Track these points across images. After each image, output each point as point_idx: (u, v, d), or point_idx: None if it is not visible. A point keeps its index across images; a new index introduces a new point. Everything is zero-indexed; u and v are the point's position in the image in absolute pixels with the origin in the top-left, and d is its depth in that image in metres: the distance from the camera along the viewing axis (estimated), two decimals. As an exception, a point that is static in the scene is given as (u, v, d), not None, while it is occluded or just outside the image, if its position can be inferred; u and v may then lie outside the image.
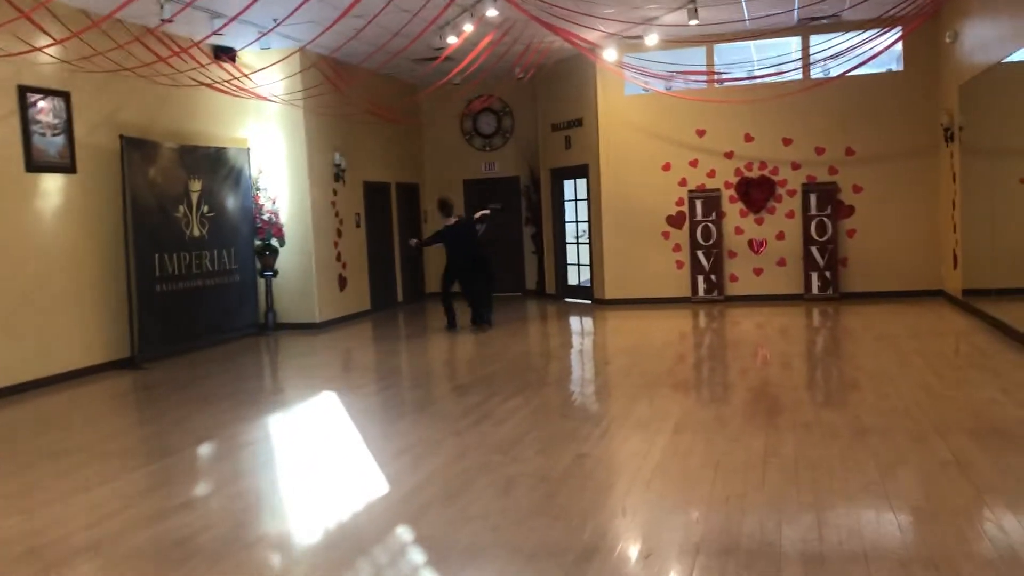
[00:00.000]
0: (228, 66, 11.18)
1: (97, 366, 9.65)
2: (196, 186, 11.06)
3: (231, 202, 11.76)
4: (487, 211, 12.50)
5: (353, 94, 12.54)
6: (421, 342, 11.29)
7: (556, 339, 11.39)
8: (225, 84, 10.70)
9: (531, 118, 15.75)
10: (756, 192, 13.49)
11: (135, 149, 10.00)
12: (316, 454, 6.06)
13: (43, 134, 9.03)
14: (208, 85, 10.36)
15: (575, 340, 11.31)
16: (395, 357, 10.33)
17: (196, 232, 11.06)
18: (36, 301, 8.92)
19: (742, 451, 5.44)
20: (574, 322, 12.93)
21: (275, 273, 12.63)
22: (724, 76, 13.21)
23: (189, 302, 10.86)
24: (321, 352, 11.00)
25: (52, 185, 9.21)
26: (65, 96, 9.28)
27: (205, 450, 6.28)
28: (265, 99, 11.67)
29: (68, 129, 9.37)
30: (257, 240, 12.53)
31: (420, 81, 15.39)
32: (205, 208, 11.23)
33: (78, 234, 9.52)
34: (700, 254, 13.62)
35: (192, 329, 10.90)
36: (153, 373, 9.63)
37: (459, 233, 12.01)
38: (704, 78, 13.38)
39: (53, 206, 9.20)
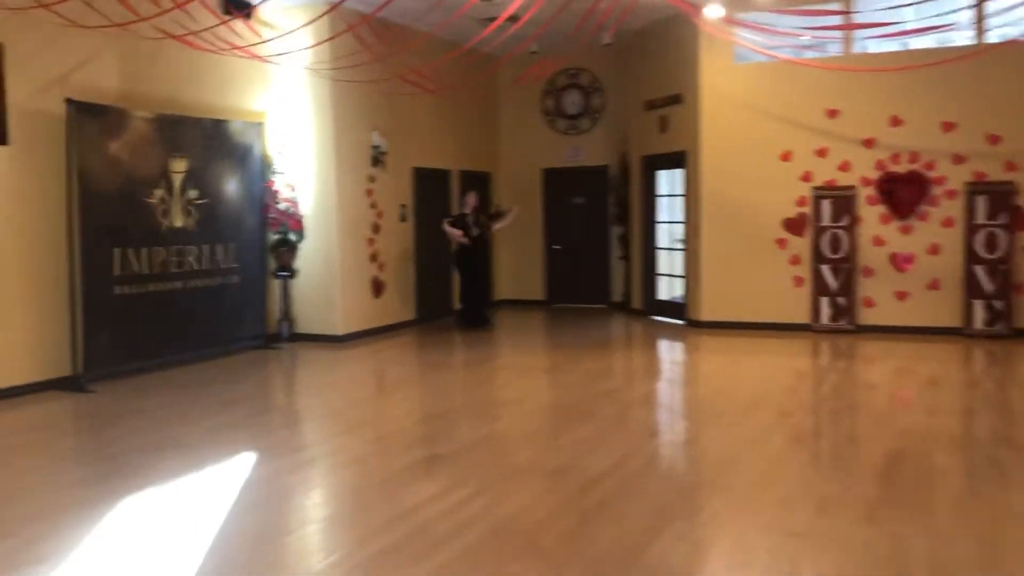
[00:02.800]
0: (240, 25, 9.04)
1: (30, 386, 7.70)
2: (180, 166, 8.98)
3: (232, 187, 9.66)
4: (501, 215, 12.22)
5: (400, 62, 10.19)
6: (461, 367, 8.86)
7: (630, 378, 8.72)
8: (230, 45, 8.53)
9: (625, 96, 13.04)
10: (904, 192, 10.38)
11: (88, 117, 7.97)
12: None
13: (-48, 93, 7.10)
14: (209, 50, 8.20)
15: (658, 382, 8.60)
16: (419, 391, 7.95)
17: (178, 222, 8.99)
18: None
19: None
20: (661, 350, 10.23)
21: (292, 273, 10.49)
22: (871, 32, 10.12)
23: (164, 308, 8.80)
24: (331, 375, 8.77)
25: (-32, 159, 7.28)
26: (-12, 46, 7.35)
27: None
28: (269, 63, 9.49)
29: (-3, 89, 7.43)
30: (273, 234, 10.41)
31: (493, 48, 12.94)
32: (193, 193, 9.14)
33: (7, 222, 7.57)
34: (826, 270, 10.63)
35: (167, 342, 8.84)
36: (97, 399, 7.61)
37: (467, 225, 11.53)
38: (838, 40, 10.36)
39: (-33, 185, 7.28)
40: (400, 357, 9.67)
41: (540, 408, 6.96)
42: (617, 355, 9.42)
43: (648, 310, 12.49)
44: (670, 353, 9.99)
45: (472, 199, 11.77)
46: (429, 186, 12.36)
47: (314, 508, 4.83)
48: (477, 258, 11.82)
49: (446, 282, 12.87)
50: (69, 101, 7.79)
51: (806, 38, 10.30)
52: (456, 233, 11.53)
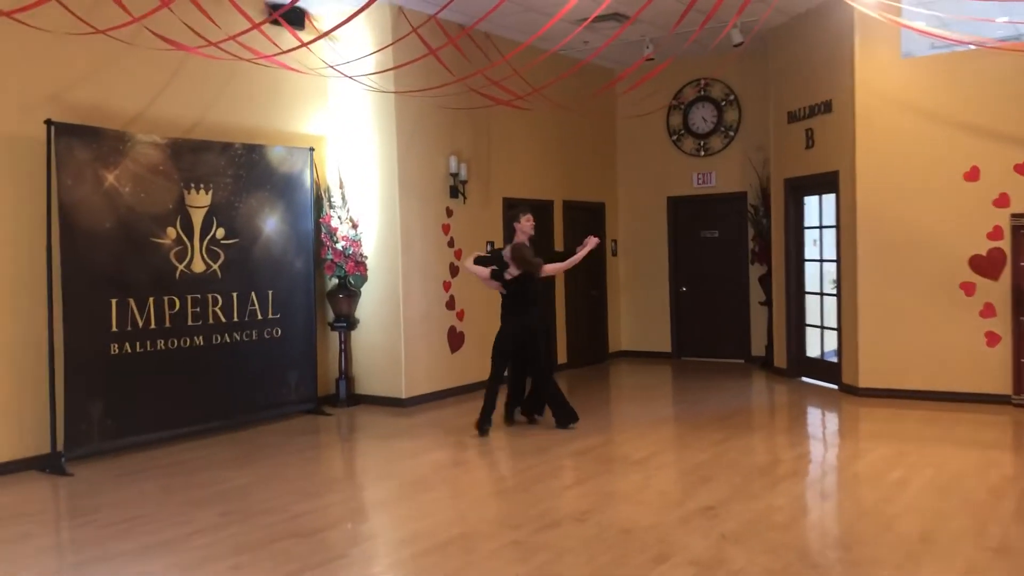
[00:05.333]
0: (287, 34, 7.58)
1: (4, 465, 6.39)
2: (200, 200, 7.56)
3: (273, 224, 8.17)
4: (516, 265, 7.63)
5: (486, 74, 8.38)
6: (528, 452, 6.90)
7: (747, 482, 6.46)
8: (272, 56, 7.05)
9: (764, 108, 10.77)
10: None
11: (75, 142, 6.65)
12: None
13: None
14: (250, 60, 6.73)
15: (781, 494, 6.29)
16: (440, 495, 6.06)
17: (198, 266, 7.55)
18: None
19: None
20: (801, 431, 7.89)
21: (350, 324, 8.88)
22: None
23: (178, 369, 7.35)
24: (372, 456, 7.06)
25: (-78, 194, 6.08)
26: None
27: None
28: (326, 78, 7.96)
29: (-39, 110, 6.22)
30: (329, 278, 8.86)
31: (607, 61, 11.03)
32: (219, 232, 7.70)
33: (-26, 268, 6.33)
34: (1031, 323, 7.98)
35: (180, 410, 7.37)
36: (70, 484, 6.20)
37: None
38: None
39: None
40: (462, 428, 7.80)
41: (599, 533, 4.89)
42: (739, 438, 7.17)
43: (794, 369, 10.07)
44: (813, 438, 7.61)
45: (528, 224, 7.82)
46: (525, 220, 10.48)
47: None
48: (524, 319, 7.56)
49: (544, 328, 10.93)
50: (50, 123, 6.49)
51: (1003, 23, 7.79)
52: (481, 273, 7.66)
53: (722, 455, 6.56)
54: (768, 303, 10.73)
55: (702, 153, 11.64)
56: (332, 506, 5.50)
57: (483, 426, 7.43)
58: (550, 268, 7.83)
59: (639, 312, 12.16)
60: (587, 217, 11.66)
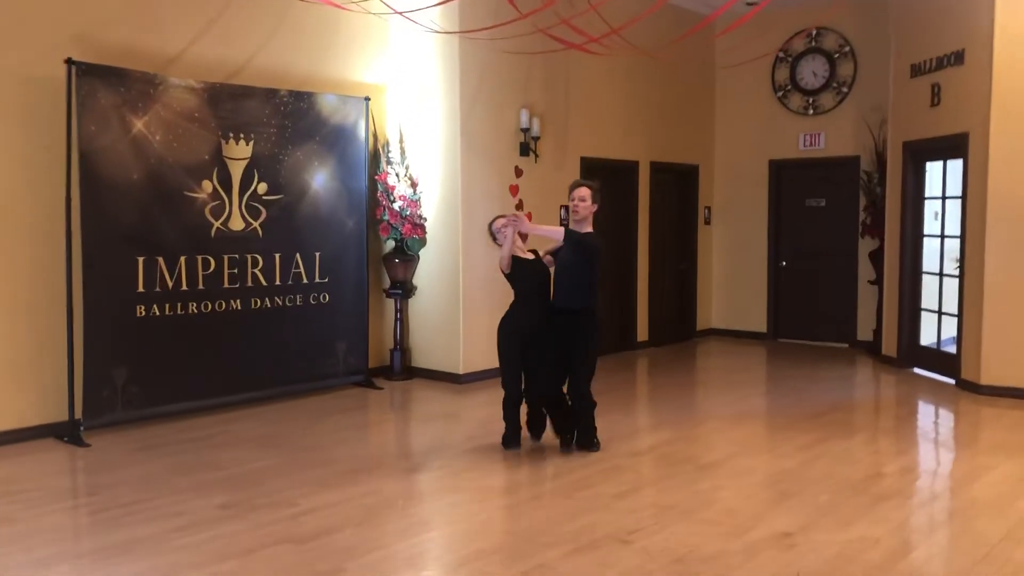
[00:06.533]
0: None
1: (12, 432, 5.96)
2: (241, 151, 6.94)
3: (322, 180, 7.50)
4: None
5: (549, 5, 7.46)
6: (578, 455, 6.09)
7: (834, 504, 5.45)
8: None
9: (883, 61, 9.47)
10: None
11: (99, 84, 6.08)
12: None
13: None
14: None
15: (873, 520, 5.27)
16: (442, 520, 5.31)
17: (237, 224, 6.95)
18: None
19: None
20: (909, 435, 6.81)
21: (406, 291, 8.19)
22: None
23: (212, 335, 6.80)
24: (421, 436, 6.41)
25: (-69, 138, 5.62)
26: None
27: None
28: (384, 19, 7.19)
29: (-24, 48, 5.73)
30: (385, 240, 8.18)
31: (702, 5, 9.91)
32: (260, 186, 7.07)
33: (-11, 220, 5.87)
34: None
35: (213, 378, 6.82)
36: (86, 456, 5.74)
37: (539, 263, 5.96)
38: None
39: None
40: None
41: (643, 564, 4.04)
42: (834, 442, 6.14)
43: (905, 359, 8.89)
44: (923, 446, 6.49)
45: (585, 197, 5.76)
46: (605, 183, 9.52)
47: None
48: (537, 301, 5.78)
49: (630, 306, 10.04)
50: (71, 63, 5.93)
51: None
52: (507, 246, 5.72)
53: (811, 463, 5.59)
54: (879, 282, 9.52)
55: (811, 112, 10.41)
56: (346, 503, 4.80)
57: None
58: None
59: (732, 287, 11.09)
60: (677, 181, 10.64)
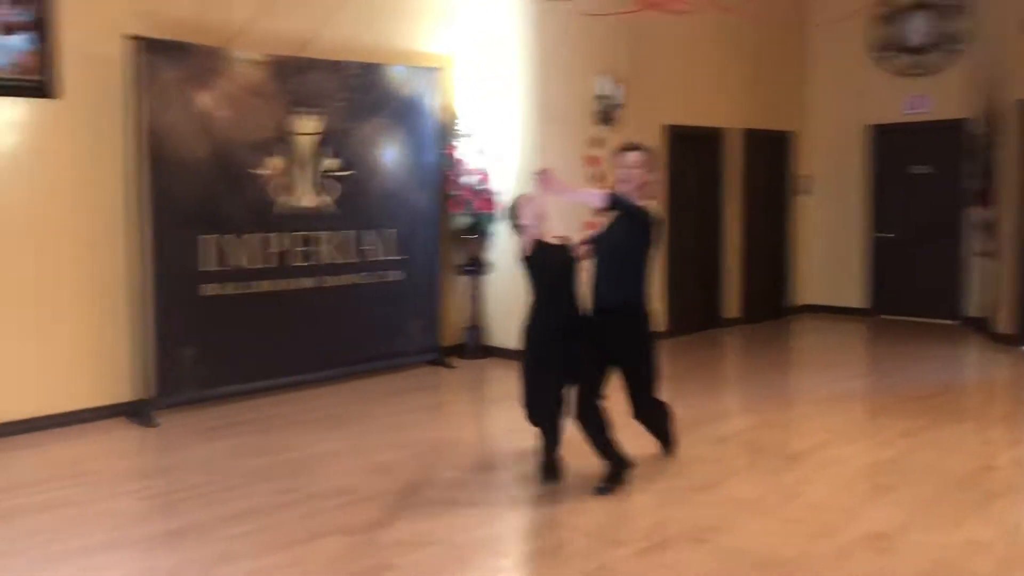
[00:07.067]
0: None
1: (84, 412, 5.96)
2: (309, 125, 6.77)
3: (393, 154, 7.28)
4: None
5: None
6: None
7: (925, 509, 4.96)
8: None
9: (998, 15, 8.67)
10: None
11: (163, 60, 5.98)
12: None
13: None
14: None
15: (961, 534, 4.77)
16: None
17: (306, 201, 6.79)
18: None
19: None
20: (1014, 428, 6.20)
21: (481, 268, 7.94)
22: None
23: (281, 314, 6.69)
24: (489, 417, 6.19)
25: (0, 120, 5.62)
26: (26, -33, 5.59)
27: None
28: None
29: (41, 24, 5.68)
30: (458, 216, 7.93)
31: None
32: (330, 163, 6.90)
33: (60, 201, 5.84)
34: None
35: (284, 358, 6.71)
36: (155, 436, 5.71)
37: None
38: None
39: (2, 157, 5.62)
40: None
41: (719, 568, 3.66)
42: (939, 429, 5.60)
43: (1021, 336, 8.19)
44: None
45: (638, 164, 4.64)
46: (690, 152, 9.10)
47: None
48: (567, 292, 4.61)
49: (714, 283, 9.57)
50: (135, 39, 5.84)
51: None
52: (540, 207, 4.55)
53: (912, 453, 5.10)
54: (990, 255, 8.79)
55: (916, 72, 9.65)
56: (402, 493, 4.58)
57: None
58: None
59: (829, 260, 10.45)
60: (769, 149, 10.06)
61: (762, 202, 10.01)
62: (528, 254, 4.51)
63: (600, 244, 4.67)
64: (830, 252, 10.44)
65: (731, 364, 8.35)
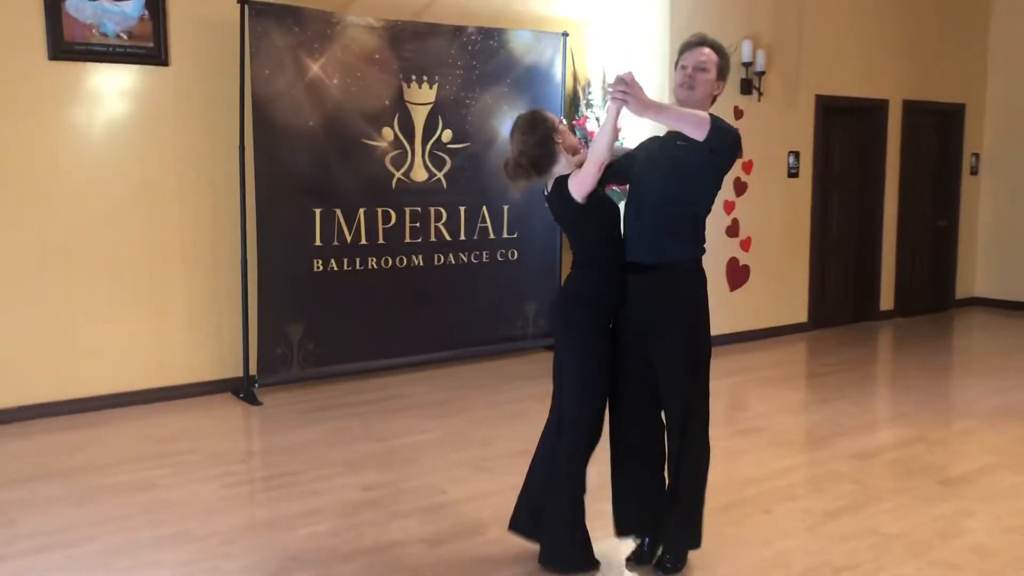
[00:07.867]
0: None
1: (189, 387, 5.88)
2: (425, 95, 6.41)
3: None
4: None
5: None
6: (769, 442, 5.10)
7: None
8: None
9: None
10: None
11: (272, 25, 5.74)
12: None
13: (82, -5, 5.34)
14: None
15: None
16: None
17: (420, 175, 6.46)
18: (71, 282, 5.43)
19: None
20: None
21: (608, 250, 7.40)
22: None
23: (393, 292, 6.40)
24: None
25: (112, 88, 5.51)
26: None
27: None
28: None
29: (151, -12, 5.56)
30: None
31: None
32: (445, 133, 6.53)
33: (168, 172, 5.73)
34: None
35: (396, 337, 6.43)
36: (256, 415, 5.55)
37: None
38: None
39: (110, 127, 5.51)
40: (732, 390, 6.09)
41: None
42: None
43: None
44: None
45: (708, 65, 3.33)
46: (845, 125, 8.24)
47: None
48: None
49: (872, 271, 8.68)
50: (244, 3, 5.62)
51: None
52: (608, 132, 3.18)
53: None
54: None
55: (1119, 34, 8.40)
56: (497, 495, 4.13)
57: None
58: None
59: (1005, 249, 9.32)
60: (937, 123, 9.03)
61: (927, 181, 9.01)
62: (583, 200, 3.22)
63: (643, 168, 3.32)
64: (1005, 238, 9.31)
65: (883, 364, 7.49)
